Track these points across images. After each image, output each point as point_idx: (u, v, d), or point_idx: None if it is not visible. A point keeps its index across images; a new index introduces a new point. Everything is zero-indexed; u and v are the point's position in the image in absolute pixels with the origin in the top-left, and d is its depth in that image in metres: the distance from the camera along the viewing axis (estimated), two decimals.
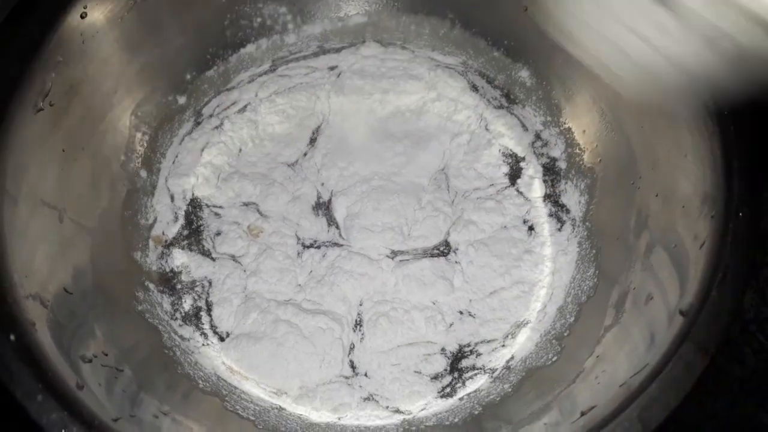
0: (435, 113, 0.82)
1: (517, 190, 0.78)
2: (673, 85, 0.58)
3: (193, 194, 0.77)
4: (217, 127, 0.80)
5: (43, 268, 0.57)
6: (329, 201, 0.77)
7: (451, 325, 0.70)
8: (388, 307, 0.71)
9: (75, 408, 0.48)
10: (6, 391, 0.46)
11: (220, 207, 0.77)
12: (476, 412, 0.65)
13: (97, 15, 0.64)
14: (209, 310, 0.71)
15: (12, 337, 0.48)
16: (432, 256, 0.74)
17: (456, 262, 0.74)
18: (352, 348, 0.70)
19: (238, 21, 0.78)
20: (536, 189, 0.78)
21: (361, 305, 0.71)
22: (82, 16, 0.63)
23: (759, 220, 0.51)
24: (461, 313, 0.71)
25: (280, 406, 0.67)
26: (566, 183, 0.77)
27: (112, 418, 0.50)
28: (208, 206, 0.77)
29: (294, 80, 0.83)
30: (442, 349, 0.69)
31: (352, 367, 0.69)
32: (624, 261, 0.65)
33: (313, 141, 0.81)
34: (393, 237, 0.74)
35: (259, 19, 0.80)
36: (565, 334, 0.68)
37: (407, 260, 0.73)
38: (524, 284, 0.72)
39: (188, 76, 0.78)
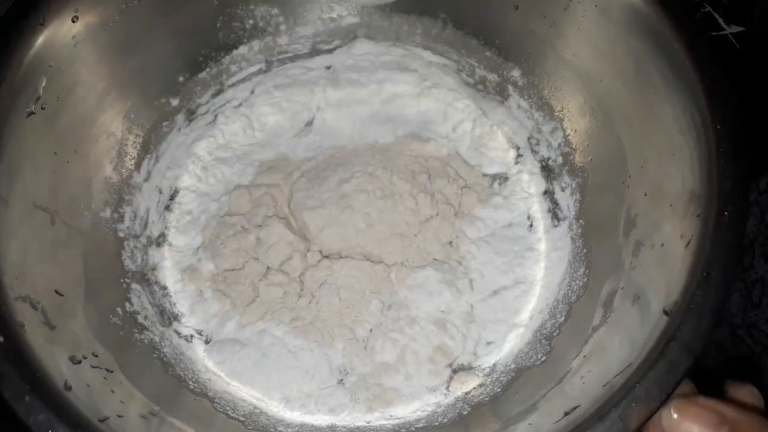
0: (434, 98, 0.82)
1: (514, 188, 0.78)
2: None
3: (181, 191, 0.78)
4: (210, 123, 0.81)
5: (34, 271, 0.58)
6: None
7: (453, 329, 0.69)
8: (388, 315, 0.70)
9: (62, 408, 0.48)
10: None
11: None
12: (465, 413, 0.65)
13: (88, 19, 0.64)
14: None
15: (0, 339, 0.49)
16: (435, 258, 0.73)
17: (458, 261, 0.73)
18: (343, 371, 0.69)
19: (230, 23, 0.79)
20: (530, 187, 0.78)
21: (358, 313, 0.70)
22: (74, 20, 0.63)
23: (743, 220, 0.50)
24: (464, 316, 0.70)
25: (268, 410, 0.67)
26: (559, 182, 0.77)
27: (100, 418, 0.51)
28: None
29: (290, 79, 0.83)
30: (441, 353, 0.68)
31: (345, 372, 0.68)
32: (613, 260, 0.64)
33: (305, 132, 0.81)
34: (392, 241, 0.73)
35: (251, 21, 0.80)
36: (555, 334, 0.68)
37: (409, 266, 0.72)
38: (524, 283, 0.72)
39: (181, 78, 0.78)
